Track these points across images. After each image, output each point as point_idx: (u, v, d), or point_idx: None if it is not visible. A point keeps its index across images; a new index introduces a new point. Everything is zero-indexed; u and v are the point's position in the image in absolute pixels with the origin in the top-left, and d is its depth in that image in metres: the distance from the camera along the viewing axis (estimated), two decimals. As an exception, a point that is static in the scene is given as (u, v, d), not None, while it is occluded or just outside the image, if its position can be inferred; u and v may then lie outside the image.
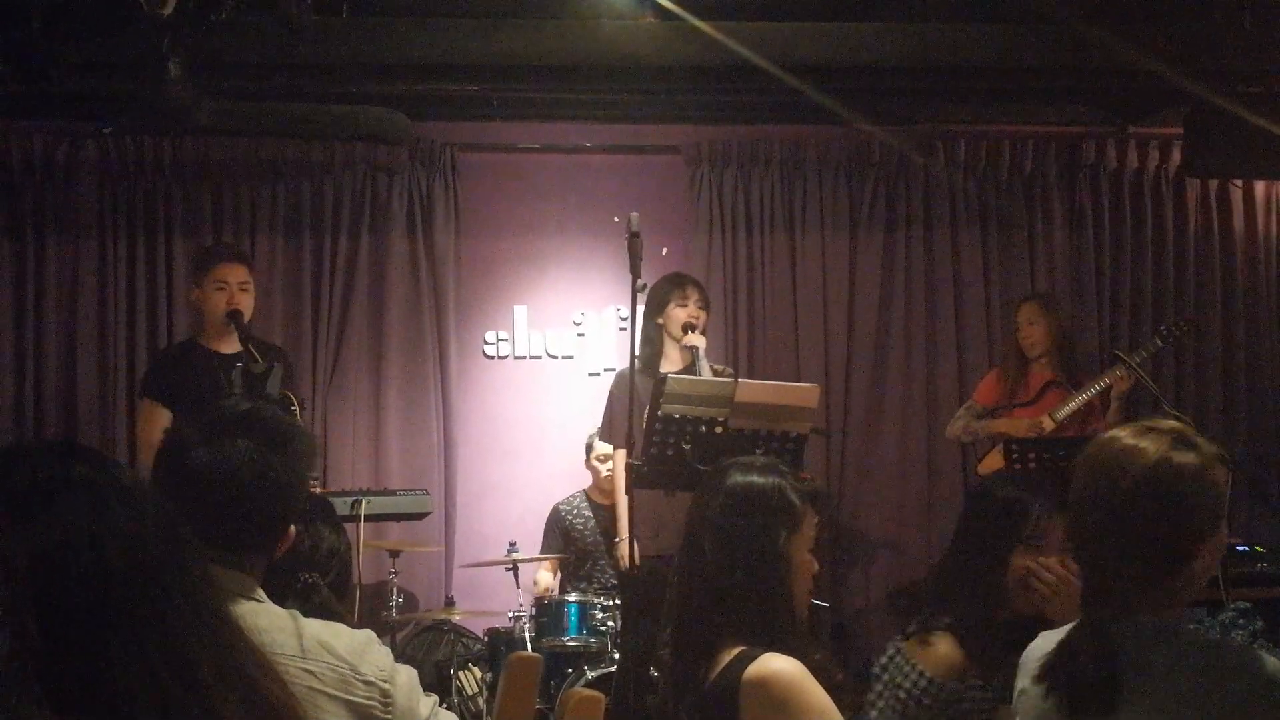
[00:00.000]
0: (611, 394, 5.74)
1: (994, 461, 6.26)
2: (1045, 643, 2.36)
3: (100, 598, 1.26)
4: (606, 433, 5.87)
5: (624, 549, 5.68)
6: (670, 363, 5.65)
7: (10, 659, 1.16)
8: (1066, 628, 2.33)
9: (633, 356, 4.77)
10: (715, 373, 5.44)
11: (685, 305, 5.68)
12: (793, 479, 2.76)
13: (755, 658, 2.56)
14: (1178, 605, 2.24)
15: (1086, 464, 2.29)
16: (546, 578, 6.50)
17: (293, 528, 2.21)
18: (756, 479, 2.73)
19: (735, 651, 2.60)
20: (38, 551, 1.25)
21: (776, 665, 2.54)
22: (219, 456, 2.10)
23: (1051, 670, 2.25)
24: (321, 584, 2.71)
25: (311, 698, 2.00)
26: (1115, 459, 2.25)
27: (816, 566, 2.79)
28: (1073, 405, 6.14)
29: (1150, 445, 2.23)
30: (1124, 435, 2.28)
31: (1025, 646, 2.69)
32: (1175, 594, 2.23)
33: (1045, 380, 6.34)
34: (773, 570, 2.65)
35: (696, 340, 5.53)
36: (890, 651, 3.01)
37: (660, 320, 5.68)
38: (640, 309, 4.92)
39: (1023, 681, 2.36)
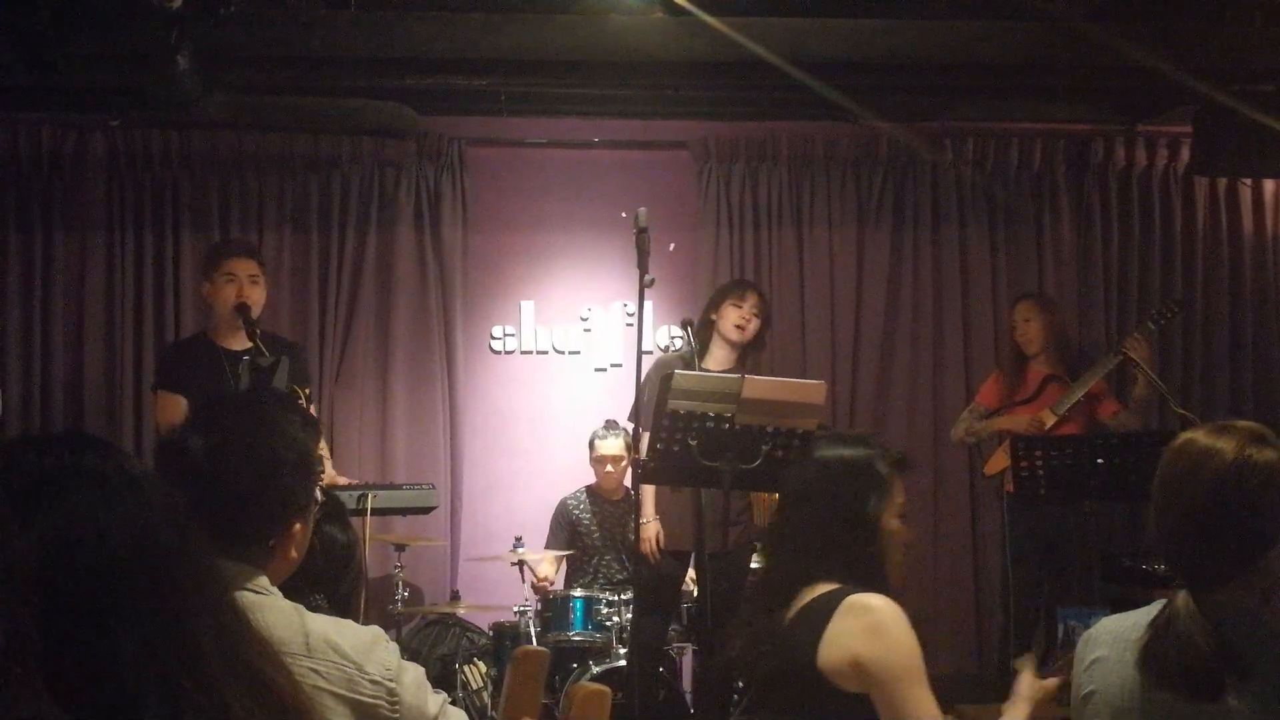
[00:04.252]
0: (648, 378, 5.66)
1: (999, 462, 6.26)
2: (1119, 622, 2.41)
3: (108, 588, 1.26)
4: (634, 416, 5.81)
5: (647, 531, 5.66)
6: (715, 361, 5.66)
7: (8, 650, 1.15)
8: (1144, 610, 2.38)
9: (639, 351, 4.75)
10: None
11: (740, 307, 5.70)
12: (880, 449, 2.88)
13: (857, 592, 2.69)
14: (1256, 594, 2.32)
15: (1168, 464, 2.37)
16: (548, 568, 6.50)
17: (299, 525, 2.19)
18: (845, 451, 2.87)
19: (831, 587, 2.72)
20: (45, 542, 1.24)
21: (884, 601, 2.67)
22: (208, 445, 2.09)
23: (1156, 654, 2.29)
24: (325, 607, 2.70)
25: (317, 696, 1.98)
26: (1196, 457, 2.33)
27: (909, 537, 2.89)
28: (1073, 397, 6.14)
29: (1227, 444, 2.31)
30: (1201, 436, 2.37)
31: None
32: (1251, 583, 2.31)
33: (1044, 376, 6.34)
34: (865, 534, 2.77)
35: None
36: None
37: (714, 316, 5.71)
38: (648, 304, 4.90)
39: (1097, 651, 2.41)
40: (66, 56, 5.08)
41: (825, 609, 2.67)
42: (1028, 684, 2.85)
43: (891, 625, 2.64)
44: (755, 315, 5.73)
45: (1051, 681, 2.83)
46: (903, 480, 2.88)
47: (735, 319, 5.70)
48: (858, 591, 2.68)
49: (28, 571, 1.19)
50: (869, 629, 2.63)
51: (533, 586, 6.25)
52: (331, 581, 2.80)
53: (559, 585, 6.43)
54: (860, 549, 2.76)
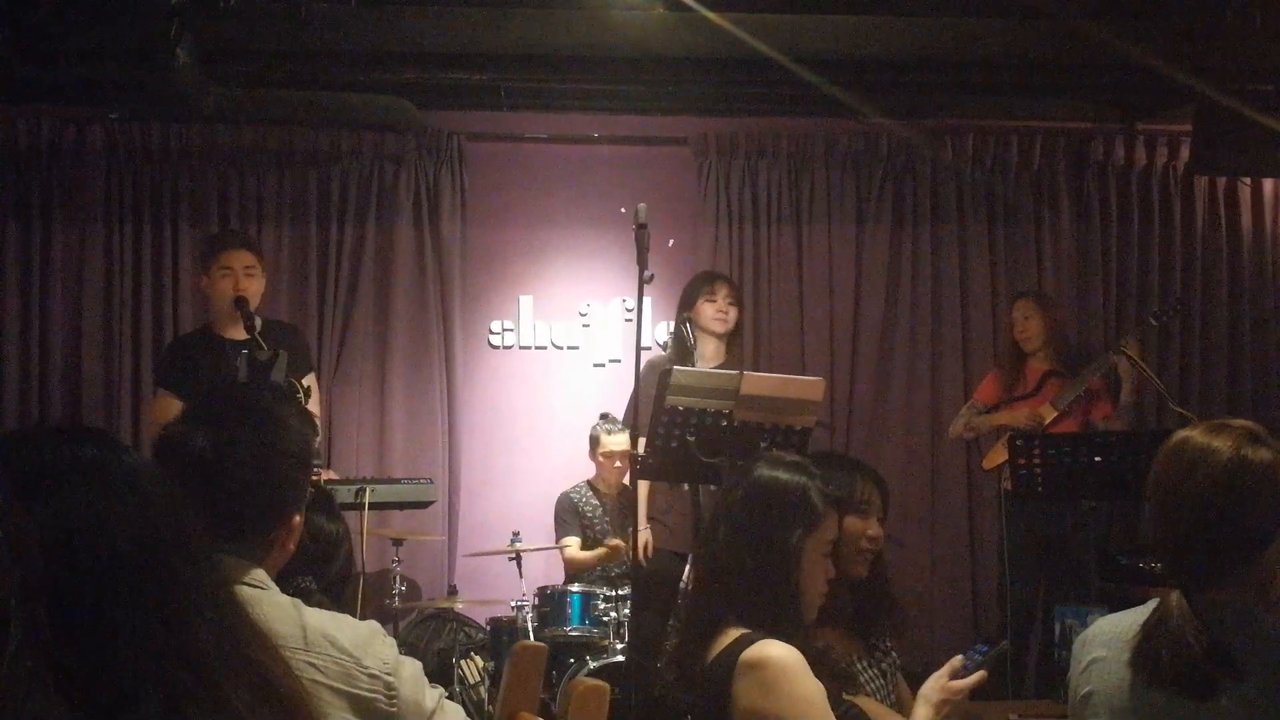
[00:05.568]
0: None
1: (998, 456, 6.26)
2: (1116, 622, 2.42)
3: (108, 582, 1.25)
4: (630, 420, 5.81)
5: (640, 539, 5.65)
6: (704, 359, 5.66)
7: (21, 649, 1.15)
8: (1139, 609, 2.40)
9: (639, 347, 4.75)
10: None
11: (714, 301, 5.71)
12: (821, 481, 2.80)
13: (756, 641, 2.63)
14: (1252, 592, 2.33)
15: (1164, 463, 2.38)
16: (575, 549, 6.41)
17: (297, 518, 2.20)
18: (782, 475, 2.79)
19: (737, 634, 2.67)
20: (44, 535, 1.24)
21: (774, 651, 2.61)
22: (211, 441, 2.10)
23: (1149, 654, 2.29)
24: (315, 589, 2.70)
25: (315, 690, 1.97)
26: (1191, 457, 2.33)
27: (833, 572, 2.82)
28: (1074, 393, 6.15)
29: (1224, 443, 2.32)
30: (1197, 435, 2.37)
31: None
32: (1247, 581, 2.32)
33: (1043, 372, 6.35)
34: (781, 563, 2.71)
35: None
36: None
37: (690, 315, 5.70)
38: (647, 300, 4.91)
39: (1095, 652, 2.42)
40: (65, 49, 5.08)
41: (729, 665, 2.63)
42: (933, 686, 2.78)
43: (782, 678, 2.58)
44: (731, 305, 5.75)
45: (964, 682, 2.80)
46: (836, 519, 2.82)
47: (712, 313, 5.71)
48: (758, 639, 2.63)
49: (35, 567, 1.19)
50: (762, 685, 2.58)
51: (538, 590, 6.12)
52: (320, 564, 2.81)
53: (558, 581, 6.42)
54: (774, 580, 2.70)
